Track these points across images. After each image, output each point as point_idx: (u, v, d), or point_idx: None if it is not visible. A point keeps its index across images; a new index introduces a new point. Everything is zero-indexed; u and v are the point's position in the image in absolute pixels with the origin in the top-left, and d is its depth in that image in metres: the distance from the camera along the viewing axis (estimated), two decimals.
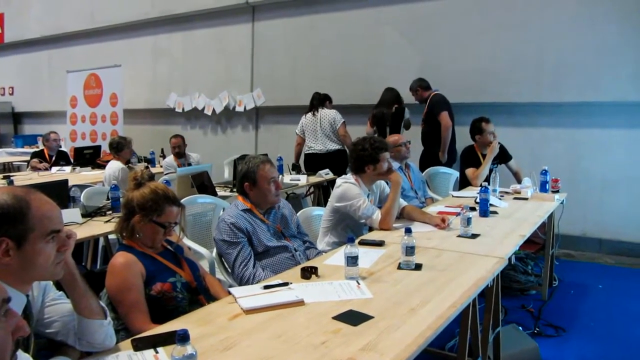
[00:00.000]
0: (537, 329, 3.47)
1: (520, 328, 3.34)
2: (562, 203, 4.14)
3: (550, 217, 4.06)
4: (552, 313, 3.76)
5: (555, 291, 4.22)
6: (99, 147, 7.32)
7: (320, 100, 5.98)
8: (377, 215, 3.02)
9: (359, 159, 3.18)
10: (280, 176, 5.33)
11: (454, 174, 5.13)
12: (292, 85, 7.18)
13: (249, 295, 1.94)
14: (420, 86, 5.68)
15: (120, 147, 5.46)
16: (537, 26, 5.50)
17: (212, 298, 2.16)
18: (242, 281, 2.50)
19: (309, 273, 2.20)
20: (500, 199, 3.94)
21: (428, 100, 5.58)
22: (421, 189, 4.54)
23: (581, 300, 4.09)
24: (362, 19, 6.58)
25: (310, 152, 5.94)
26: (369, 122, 5.88)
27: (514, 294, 4.11)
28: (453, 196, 4.27)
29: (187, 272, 2.16)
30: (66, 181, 3.74)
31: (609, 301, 4.06)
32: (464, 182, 4.79)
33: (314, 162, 5.85)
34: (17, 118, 11.05)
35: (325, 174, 5.37)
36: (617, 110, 5.23)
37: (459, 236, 2.91)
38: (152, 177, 2.29)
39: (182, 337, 1.28)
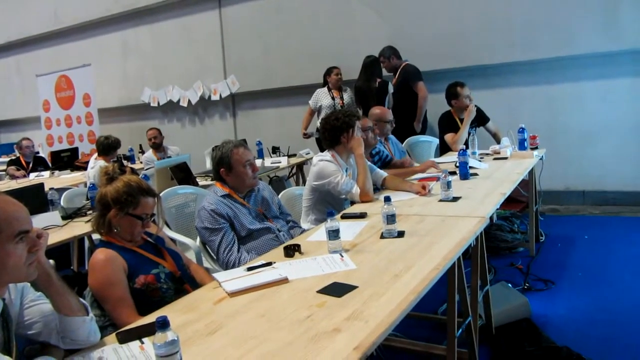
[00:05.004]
0: (526, 284, 3.52)
1: (510, 285, 3.37)
2: (541, 159, 4.18)
3: (531, 173, 4.09)
4: (541, 268, 3.81)
5: (542, 246, 4.28)
6: (76, 149, 7.22)
7: None
8: (357, 188, 3.02)
9: (333, 129, 3.16)
10: (261, 160, 5.35)
11: (434, 141, 5.14)
12: (265, 69, 7.12)
13: (232, 278, 1.94)
14: (394, 54, 5.65)
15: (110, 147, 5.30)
16: None
17: (198, 286, 2.14)
18: (227, 266, 2.49)
19: (292, 251, 2.20)
20: (480, 160, 3.95)
21: (399, 70, 5.55)
22: None
23: (568, 252, 4.15)
24: None
25: None
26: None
27: (502, 254, 4.16)
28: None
29: (169, 262, 2.15)
30: (42, 185, 3.69)
31: (596, 250, 4.12)
32: (444, 148, 4.81)
33: None
34: None
35: (305, 154, 5.35)
36: (591, 63, 5.25)
37: (440, 201, 2.92)
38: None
39: (161, 324, 1.26)
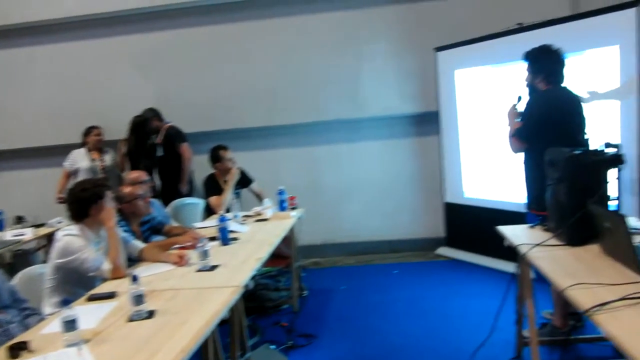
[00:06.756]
0: (289, 342, 3.62)
1: (275, 346, 3.46)
2: (300, 218, 4.45)
3: (292, 232, 4.32)
4: (304, 323, 3.98)
5: (305, 301, 4.50)
6: None
7: None
8: (107, 264, 2.80)
9: (81, 202, 2.90)
10: (0, 233, 4.66)
11: (201, 203, 5.11)
12: (13, 126, 6.29)
13: None
14: (156, 116, 5.52)
15: None
16: (266, 56, 5.87)
17: None
18: None
19: (16, 350, 1.90)
20: (242, 223, 4.04)
21: (162, 132, 5.46)
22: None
23: (328, 304, 4.43)
24: (88, 51, 6.13)
25: None
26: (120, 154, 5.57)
27: (269, 313, 4.23)
28: (196, 228, 4.23)
29: None
30: None
31: (352, 299, 4.49)
32: (210, 211, 4.81)
33: None
34: None
35: (57, 223, 4.82)
36: (341, 127, 5.88)
37: (198, 271, 2.86)
38: None
39: None
